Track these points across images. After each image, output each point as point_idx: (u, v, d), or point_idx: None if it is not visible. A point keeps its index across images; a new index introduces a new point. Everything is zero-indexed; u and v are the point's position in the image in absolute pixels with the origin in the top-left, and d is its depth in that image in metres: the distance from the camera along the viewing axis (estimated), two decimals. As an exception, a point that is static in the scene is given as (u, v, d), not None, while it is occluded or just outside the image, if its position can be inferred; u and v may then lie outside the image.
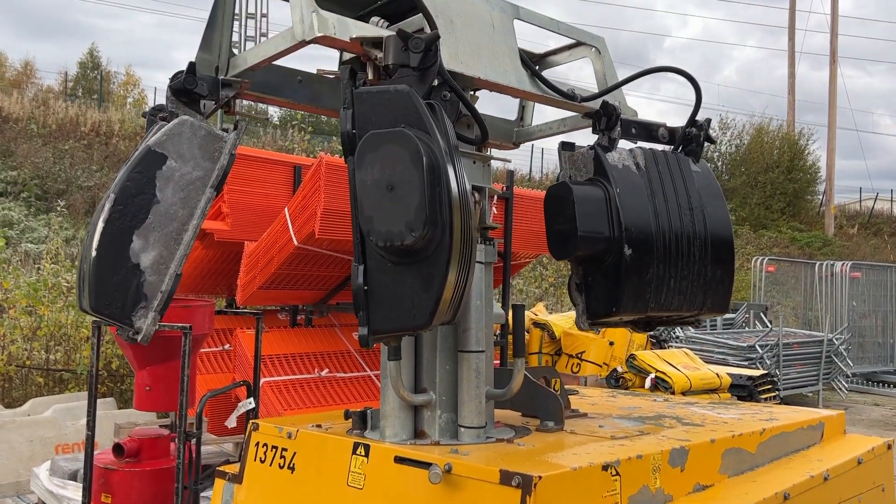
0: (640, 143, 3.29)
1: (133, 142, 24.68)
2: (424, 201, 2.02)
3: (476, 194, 3.00)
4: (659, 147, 3.36)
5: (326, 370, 9.75)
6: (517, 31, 3.28)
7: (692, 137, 3.37)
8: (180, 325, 5.96)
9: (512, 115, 4.03)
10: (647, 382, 11.01)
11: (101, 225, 2.43)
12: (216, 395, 6.84)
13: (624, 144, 3.33)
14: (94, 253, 2.41)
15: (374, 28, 2.50)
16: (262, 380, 8.99)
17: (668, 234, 3.06)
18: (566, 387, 4.19)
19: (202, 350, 9.96)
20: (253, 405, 6.87)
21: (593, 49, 3.61)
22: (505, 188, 9.61)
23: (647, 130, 3.37)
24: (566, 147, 3.22)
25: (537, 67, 3.92)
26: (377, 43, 2.38)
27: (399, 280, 2.17)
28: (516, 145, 3.98)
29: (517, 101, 4.11)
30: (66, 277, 11.93)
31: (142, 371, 6.70)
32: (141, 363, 6.64)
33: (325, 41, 2.43)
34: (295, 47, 2.50)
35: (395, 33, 2.33)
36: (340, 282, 8.65)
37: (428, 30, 2.75)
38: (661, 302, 3.08)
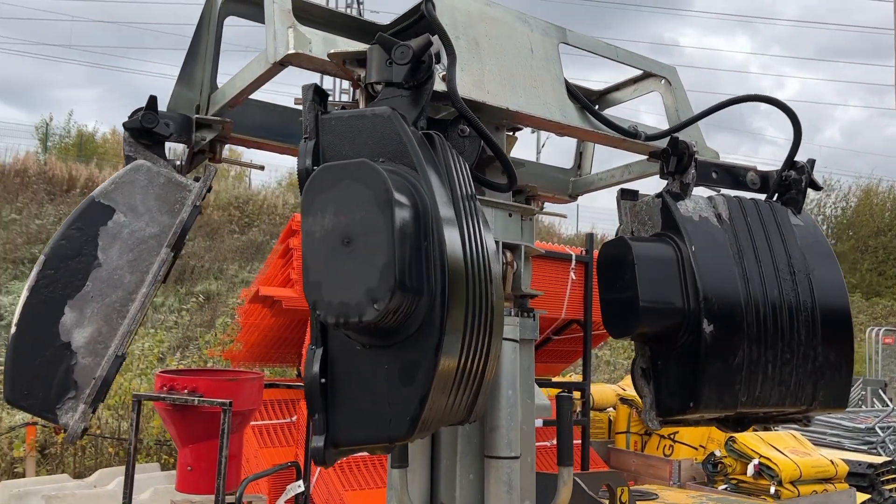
0: (724, 192, 2.62)
1: (227, 212, 25.27)
2: (393, 260, 1.43)
3: (508, 254, 2.40)
4: (747, 195, 2.68)
5: (393, 447, 9.03)
6: (573, 62, 2.73)
7: (791, 183, 2.67)
8: (220, 401, 5.54)
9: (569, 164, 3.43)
10: (750, 469, 9.81)
11: (24, 294, 1.95)
12: (258, 478, 6.33)
13: (702, 194, 2.67)
14: (13, 329, 1.94)
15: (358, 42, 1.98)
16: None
17: (763, 305, 2.35)
18: (642, 488, 3.45)
19: (265, 422, 9.58)
20: (302, 489, 6.30)
21: (663, 81, 2.99)
22: (584, 252, 8.92)
23: (733, 175, 2.70)
24: (627, 196, 2.59)
25: (597, 107, 3.34)
26: (363, 61, 1.86)
27: (371, 370, 1.57)
28: (573, 197, 3.36)
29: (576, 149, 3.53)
30: (138, 345, 11.87)
31: (184, 449, 6.26)
32: (184, 441, 6.22)
33: (301, 61, 1.93)
34: (270, 72, 2.01)
35: (377, 43, 1.80)
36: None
37: (444, 54, 2.22)
38: (755, 395, 2.35)
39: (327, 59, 1.90)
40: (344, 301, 1.44)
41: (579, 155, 3.36)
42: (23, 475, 10.46)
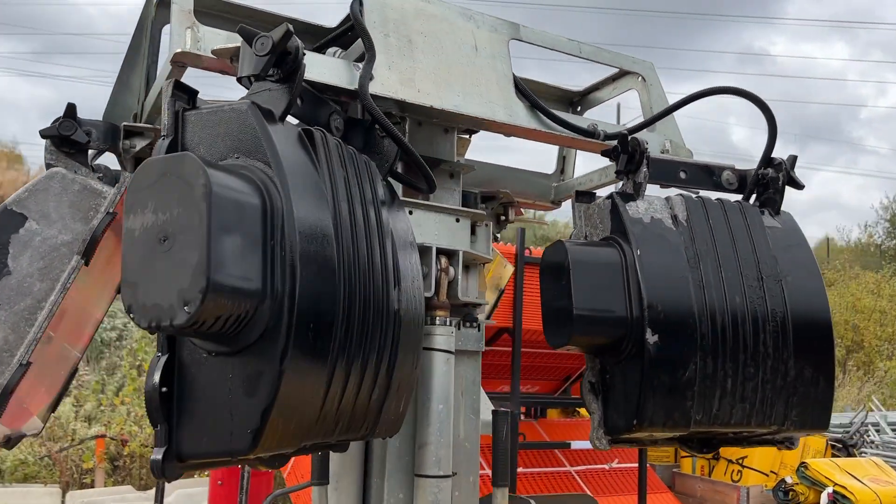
0: (684, 192, 2.42)
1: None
2: (206, 259, 1.34)
3: (443, 260, 2.27)
4: (718, 196, 2.47)
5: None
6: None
7: (768, 181, 2.45)
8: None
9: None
10: (824, 498, 9.18)
11: None
12: (284, 494, 6.31)
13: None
14: None
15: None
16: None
17: (722, 313, 2.14)
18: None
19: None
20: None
21: (639, 78, 2.81)
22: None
23: (705, 174, 2.50)
24: (581, 198, 2.43)
25: (579, 108, 3.18)
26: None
27: (216, 379, 1.49)
28: (556, 204, 3.21)
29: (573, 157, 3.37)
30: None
31: (216, 463, 6.34)
32: (215, 455, 6.30)
33: (191, 60, 1.89)
34: (173, 74, 1.97)
35: (239, 34, 1.73)
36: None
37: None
38: (711, 412, 2.14)
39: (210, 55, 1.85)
40: (157, 303, 1.36)
41: (562, 159, 3.21)
42: (92, 486, 10.86)
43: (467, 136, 2.64)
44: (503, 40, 2.48)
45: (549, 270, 2.23)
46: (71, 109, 2.15)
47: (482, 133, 2.58)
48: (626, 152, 2.29)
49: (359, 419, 1.77)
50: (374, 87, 2.14)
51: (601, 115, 2.98)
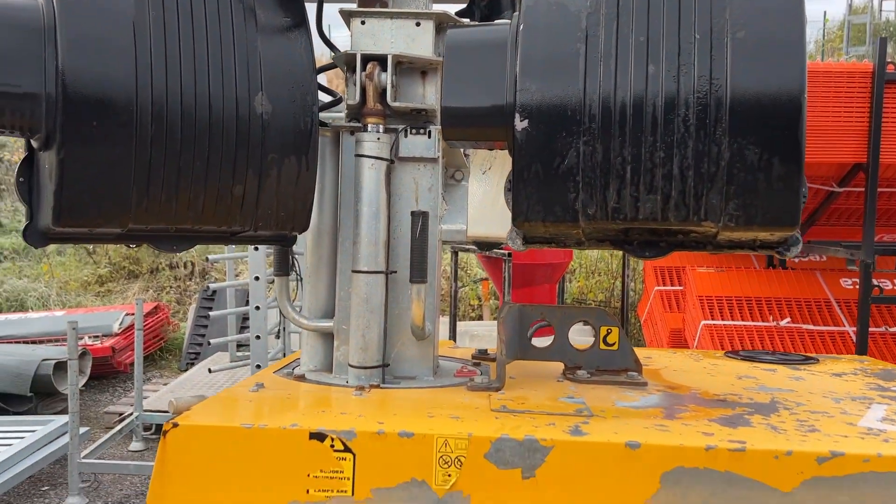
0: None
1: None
2: None
3: (370, 66, 2.27)
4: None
5: (787, 319, 8.42)
6: None
7: None
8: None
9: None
10: None
11: None
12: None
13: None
14: None
15: None
16: (702, 322, 8.28)
17: (623, 90, 1.79)
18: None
19: (660, 288, 9.70)
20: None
21: None
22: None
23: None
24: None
25: None
26: None
27: (43, 168, 1.90)
28: None
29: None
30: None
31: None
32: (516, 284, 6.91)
33: None
34: None
35: None
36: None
37: None
38: (608, 206, 1.83)
39: None
40: None
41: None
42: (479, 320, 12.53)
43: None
44: None
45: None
46: None
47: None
48: None
49: (225, 212, 2.02)
50: None
51: None
